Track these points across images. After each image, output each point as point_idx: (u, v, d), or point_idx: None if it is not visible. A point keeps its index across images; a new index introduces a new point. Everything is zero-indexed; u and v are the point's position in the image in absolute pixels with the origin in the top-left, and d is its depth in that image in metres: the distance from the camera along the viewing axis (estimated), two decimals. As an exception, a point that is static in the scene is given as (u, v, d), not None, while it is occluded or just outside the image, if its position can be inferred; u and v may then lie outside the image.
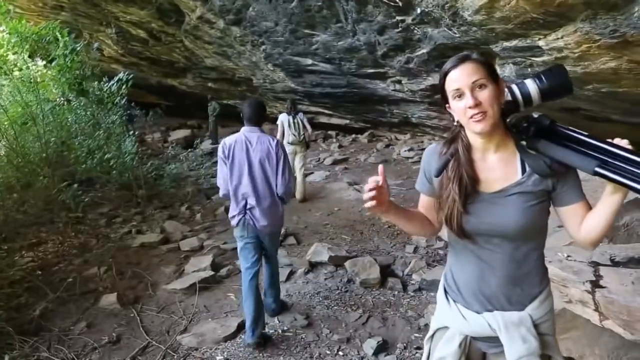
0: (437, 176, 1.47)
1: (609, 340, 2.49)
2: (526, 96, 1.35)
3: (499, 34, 3.40)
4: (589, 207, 1.35)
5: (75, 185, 6.26)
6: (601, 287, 2.31)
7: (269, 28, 6.85)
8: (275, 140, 3.43)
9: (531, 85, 1.35)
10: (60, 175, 7.14)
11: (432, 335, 1.63)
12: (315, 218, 6.31)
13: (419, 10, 3.88)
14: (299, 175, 7.14)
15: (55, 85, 6.44)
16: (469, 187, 1.39)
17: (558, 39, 3.00)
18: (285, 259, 4.85)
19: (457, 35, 3.87)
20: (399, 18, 4.33)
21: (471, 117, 1.30)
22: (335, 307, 3.88)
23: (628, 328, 2.20)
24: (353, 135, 12.06)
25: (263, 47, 7.82)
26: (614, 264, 2.56)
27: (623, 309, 2.19)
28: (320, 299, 4.05)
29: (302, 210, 6.70)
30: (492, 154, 1.41)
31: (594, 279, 2.37)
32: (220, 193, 3.47)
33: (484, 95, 1.29)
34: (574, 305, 2.49)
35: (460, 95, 1.31)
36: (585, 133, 1.29)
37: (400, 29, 4.55)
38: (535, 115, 1.38)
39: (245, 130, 3.42)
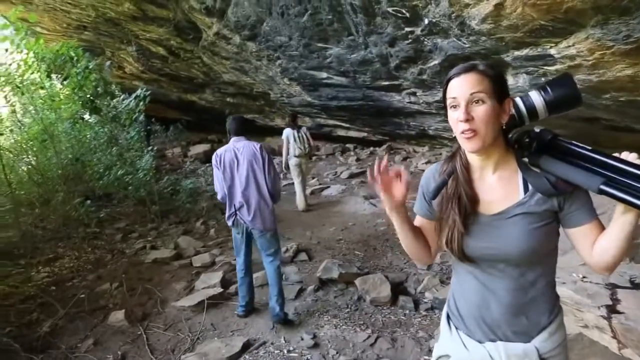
0: (432, 198, 1.39)
1: (631, 367, 2.31)
2: (531, 109, 1.25)
3: (508, 43, 3.28)
4: (602, 228, 1.22)
5: (89, 202, 6.32)
6: (618, 312, 2.15)
7: (283, 42, 6.86)
8: (259, 145, 3.87)
9: (536, 98, 1.24)
10: (81, 191, 7.27)
11: None
12: (328, 233, 6.21)
13: (426, 21, 3.79)
14: (301, 185, 7.54)
15: (69, 103, 6.57)
16: (468, 208, 1.30)
17: (570, 46, 2.86)
18: (296, 275, 4.76)
19: (466, 46, 3.76)
20: (408, 29, 4.25)
21: (462, 132, 1.21)
22: (344, 327, 3.76)
23: (648, 358, 2.03)
24: (371, 148, 11.95)
25: (279, 61, 7.83)
26: (634, 286, 2.39)
27: (642, 336, 2.03)
28: (329, 317, 3.93)
29: (316, 225, 6.61)
30: (490, 173, 1.32)
31: (610, 303, 2.21)
32: (219, 196, 3.87)
33: (479, 111, 1.20)
34: (591, 331, 2.33)
35: (455, 105, 1.23)
36: (589, 147, 1.18)
37: (410, 40, 4.46)
38: (537, 130, 1.27)
39: (233, 140, 3.89)
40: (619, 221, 1.13)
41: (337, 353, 3.40)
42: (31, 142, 6.79)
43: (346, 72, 6.91)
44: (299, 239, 5.92)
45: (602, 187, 1.07)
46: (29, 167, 6.84)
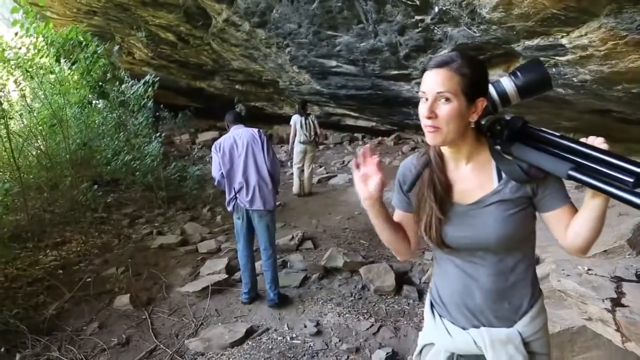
0: (409, 190, 1.42)
1: (634, 362, 2.29)
2: (503, 95, 1.27)
3: (519, 32, 3.21)
4: (575, 211, 1.25)
5: (97, 187, 6.36)
6: (623, 305, 2.12)
7: (292, 30, 6.80)
8: (258, 129, 4.02)
9: (507, 83, 1.26)
10: (89, 176, 7.31)
11: (420, 352, 1.54)
12: (334, 222, 6.21)
13: (436, 9, 3.72)
14: (307, 171, 7.73)
15: (78, 88, 6.58)
16: (444, 196, 1.32)
17: (582, 36, 2.80)
18: (301, 263, 4.78)
19: (477, 35, 3.69)
20: (418, 17, 4.18)
21: (425, 127, 1.24)
22: (347, 315, 3.77)
23: (652, 352, 2.01)
24: (379, 138, 11.88)
25: (288, 49, 7.77)
26: (640, 279, 2.36)
27: (646, 330, 2.00)
28: (333, 305, 3.95)
29: (322, 214, 6.61)
30: (464, 163, 1.34)
31: (615, 296, 2.18)
32: (215, 181, 3.95)
33: (444, 110, 1.21)
34: (594, 324, 2.31)
35: (425, 99, 1.24)
36: (558, 134, 1.19)
37: (420, 28, 4.39)
38: (508, 118, 1.29)
39: (232, 129, 4.03)
40: (589, 205, 1.16)
41: (339, 341, 3.41)
42: (40, 127, 6.82)
43: (355, 60, 6.84)
44: (305, 227, 5.93)
45: (571, 172, 1.09)
46: (38, 151, 6.88)
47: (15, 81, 6.61)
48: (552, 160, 1.15)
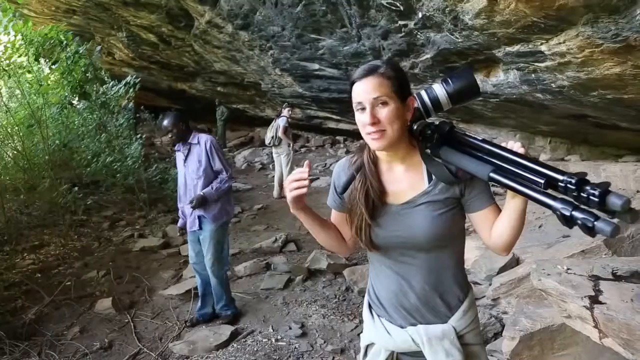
0: (342, 193, 1.45)
1: (611, 358, 2.37)
2: (435, 101, 1.32)
3: (500, 38, 3.30)
4: (499, 211, 1.31)
5: (76, 189, 6.26)
6: (600, 303, 2.20)
7: (276, 32, 6.82)
8: None
9: (439, 90, 1.31)
10: (68, 178, 7.18)
11: (365, 353, 1.56)
12: (317, 224, 6.23)
13: (420, 15, 3.80)
14: (285, 174, 7.72)
15: (57, 88, 6.48)
16: (376, 200, 1.36)
17: (560, 43, 2.90)
18: (284, 265, 4.78)
19: (459, 40, 3.77)
20: (401, 23, 4.25)
21: (369, 134, 1.26)
22: (332, 317, 3.80)
23: (628, 347, 2.08)
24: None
25: (271, 51, 7.79)
26: (616, 278, 2.45)
27: (623, 327, 2.08)
28: (317, 307, 3.97)
29: (305, 216, 6.64)
30: (398, 165, 1.39)
31: (593, 294, 2.26)
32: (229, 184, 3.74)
33: (384, 113, 1.24)
34: (574, 321, 2.39)
35: (362, 109, 1.27)
36: (480, 138, 1.25)
37: (403, 33, 4.46)
38: (437, 122, 1.34)
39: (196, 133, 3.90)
40: (510, 205, 1.22)
41: (324, 342, 3.43)
42: (17, 127, 6.68)
43: (338, 64, 6.90)
44: (288, 229, 5.94)
45: (491, 174, 1.15)
46: (15, 152, 6.74)
47: (-10, 80, 6.48)
48: (475, 163, 1.20)
